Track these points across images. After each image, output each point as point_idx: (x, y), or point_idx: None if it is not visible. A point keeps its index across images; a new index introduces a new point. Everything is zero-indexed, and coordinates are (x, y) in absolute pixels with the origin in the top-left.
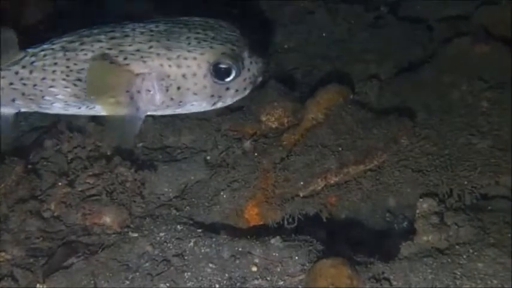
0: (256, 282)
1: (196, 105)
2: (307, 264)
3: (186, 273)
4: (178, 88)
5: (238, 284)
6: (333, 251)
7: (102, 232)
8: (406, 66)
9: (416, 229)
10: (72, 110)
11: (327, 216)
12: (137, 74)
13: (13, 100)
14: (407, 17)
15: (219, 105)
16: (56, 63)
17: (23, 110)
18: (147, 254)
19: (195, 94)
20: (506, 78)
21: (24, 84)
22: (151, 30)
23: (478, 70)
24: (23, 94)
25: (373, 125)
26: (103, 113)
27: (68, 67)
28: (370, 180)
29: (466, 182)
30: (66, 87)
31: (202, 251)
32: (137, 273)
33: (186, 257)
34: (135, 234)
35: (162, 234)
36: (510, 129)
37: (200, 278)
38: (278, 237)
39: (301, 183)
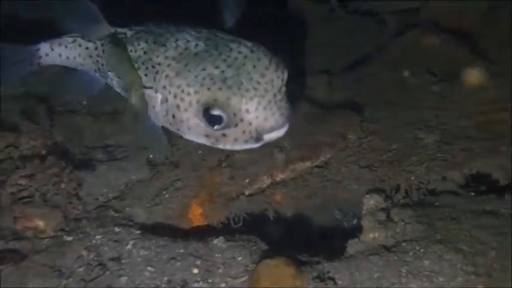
0: (197, 285)
1: (194, 138)
2: (250, 265)
3: (122, 278)
4: (173, 116)
5: (178, 287)
6: (277, 251)
7: (34, 236)
8: (357, 60)
9: (362, 226)
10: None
11: (273, 215)
12: (147, 86)
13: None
14: (358, 10)
15: (221, 146)
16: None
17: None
18: (82, 258)
19: (189, 129)
20: (455, 71)
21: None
22: (186, 48)
23: (427, 63)
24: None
25: (321, 120)
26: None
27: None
28: (317, 177)
29: (413, 178)
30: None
31: (141, 253)
32: (70, 279)
33: (123, 261)
34: (70, 238)
35: (98, 237)
36: (457, 124)
37: (138, 282)
38: (221, 237)
39: (247, 181)
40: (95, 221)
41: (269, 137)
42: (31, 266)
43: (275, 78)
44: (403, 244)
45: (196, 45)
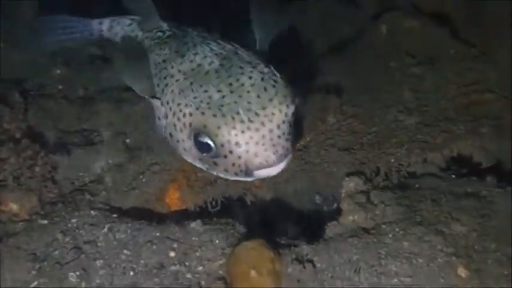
0: (174, 268)
1: (191, 161)
2: (228, 248)
3: (98, 261)
4: (171, 135)
5: (154, 271)
6: (255, 234)
7: (9, 220)
8: (336, 44)
9: (341, 209)
10: None
11: (251, 199)
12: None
13: None
14: None
15: (214, 173)
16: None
17: None
18: (57, 241)
19: (184, 150)
20: (435, 54)
21: None
22: (200, 65)
23: (407, 45)
24: None
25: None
26: None
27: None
28: (296, 160)
29: (393, 160)
30: None
31: (117, 237)
32: (45, 263)
33: (99, 244)
34: (45, 221)
35: (74, 220)
36: (438, 105)
37: (113, 265)
38: (198, 220)
39: None
40: (70, 204)
41: (259, 174)
42: (5, 250)
43: (277, 112)
44: (383, 226)
45: (211, 62)
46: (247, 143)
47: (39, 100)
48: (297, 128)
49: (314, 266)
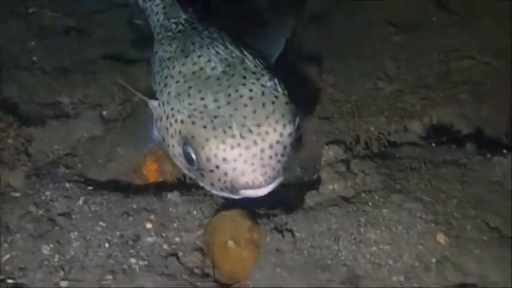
0: (150, 239)
1: (182, 168)
2: (205, 219)
3: (72, 233)
4: (163, 139)
5: (130, 242)
6: (234, 205)
7: None
8: (317, 14)
9: (321, 178)
10: None
11: None
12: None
13: None
14: None
15: (202, 184)
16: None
17: None
18: (30, 214)
19: (174, 156)
20: (417, 21)
21: None
22: (202, 69)
23: (388, 14)
24: None
25: None
26: None
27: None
28: None
29: (373, 128)
30: None
31: (92, 209)
32: (17, 235)
33: (73, 216)
34: (18, 194)
35: (48, 193)
36: (418, 73)
37: (88, 237)
38: (176, 192)
39: None
40: (44, 177)
41: (244, 193)
42: None
43: (271, 131)
44: (363, 195)
45: (214, 67)
46: (235, 160)
47: (13, 72)
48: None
49: (293, 235)
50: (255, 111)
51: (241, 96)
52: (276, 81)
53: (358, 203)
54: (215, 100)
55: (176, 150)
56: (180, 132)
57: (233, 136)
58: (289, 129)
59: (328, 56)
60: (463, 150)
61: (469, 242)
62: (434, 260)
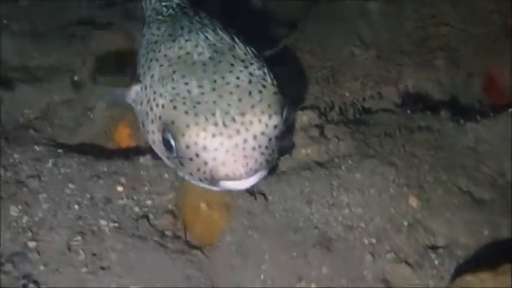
0: (121, 202)
1: (161, 155)
2: (177, 183)
3: (41, 195)
4: (142, 124)
5: (100, 205)
6: None
7: None
8: None
9: (295, 142)
10: None
11: None
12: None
13: None
14: None
15: (181, 174)
16: None
17: None
18: None
19: (153, 142)
20: None
21: None
22: (188, 53)
23: None
24: None
25: None
26: None
27: None
28: None
29: (347, 94)
30: None
31: (62, 171)
32: None
33: (42, 178)
34: None
35: (16, 155)
36: (394, 40)
37: (57, 199)
38: (148, 155)
39: None
40: (13, 140)
41: (224, 185)
42: None
43: (256, 121)
44: (336, 160)
45: (201, 53)
46: (215, 149)
47: None
48: (283, 140)
49: (265, 198)
50: (240, 100)
51: (228, 84)
52: (266, 70)
53: (331, 167)
54: (199, 86)
55: (156, 136)
56: (160, 117)
57: (215, 124)
58: (275, 120)
59: (304, 23)
60: (437, 117)
61: (440, 206)
62: (405, 223)
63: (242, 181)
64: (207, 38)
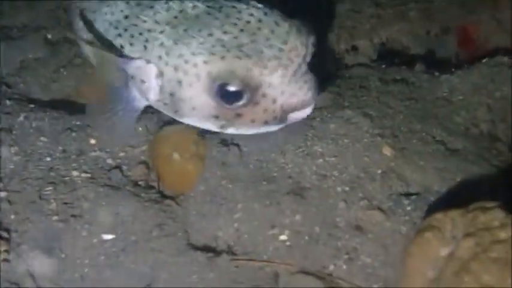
0: (94, 154)
1: (197, 122)
2: (150, 136)
3: (12, 148)
4: (172, 95)
5: (73, 157)
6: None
7: None
8: None
9: None
10: None
11: None
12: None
13: None
14: None
15: (231, 131)
16: None
17: None
18: None
19: (193, 109)
20: None
21: None
22: (182, 11)
23: None
24: None
25: None
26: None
27: None
28: None
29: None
30: None
31: (34, 125)
32: None
33: (14, 132)
34: None
35: None
36: None
37: (29, 151)
38: None
39: None
40: None
41: (295, 116)
42: None
43: (299, 45)
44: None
45: (194, 6)
46: (282, 83)
47: None
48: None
49: (240, 149)
50: (273, 31)
51: (249, 22)
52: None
53: (306, 119)
54: (225, 32)
55: (197, 100)
56: (208, 73)
57: (269, 59)
58: (312, 38)
59: None
60: (412, 70)
61: (414, 154)
62: (379, 171)
63: (307, 108)
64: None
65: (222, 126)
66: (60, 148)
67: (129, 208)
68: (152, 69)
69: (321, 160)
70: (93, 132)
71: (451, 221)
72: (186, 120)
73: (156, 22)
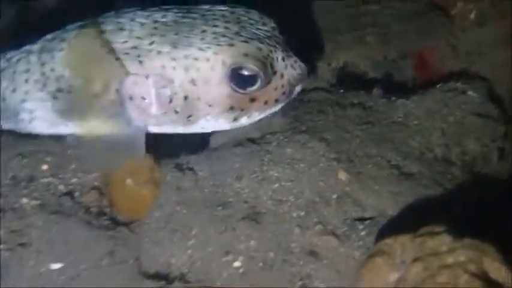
0: (46, 180)
1: (212, 120)
2: None
3: None
4: (186, 98)
5: (23, 183)
6: None
7: None
8: None
9: None
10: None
11: None
12: (130, 75)
13: None
14: None
15: (243, 121)
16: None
17: None
18: None
19: (209, 106)
20: None
21: None
22: (156, 21)
23: None
24: None
25: None
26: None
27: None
28: None
29: None
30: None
31: None
32: None
33: None
34: None
35: None
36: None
37: None
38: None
39: None
40: None
41: (299, 88)
42: None
43: (274, 25)
44: (268, 136)
45: (164, 15)
46: (283, 59)
47: None
48: None
49: (195, 173)
50: (249, 18)
51: (224, 16)
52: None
53: (262, 143)
54: (215, 26)
55: (213, 94)
56: (223, 63)
57: (267, 39)
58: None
59: None
60: (369, 95)
61: (369, 179)
62: (334, 196)
63: (305, 79)
64: (137, 14)
65: (234, 119)
66: (10, 174)
67: (80, 235)
68: (151, 82)
69: (276, 185)
70: (46, 158)
71: (401, 246)
72: (196, 128)
73: (138, 38)
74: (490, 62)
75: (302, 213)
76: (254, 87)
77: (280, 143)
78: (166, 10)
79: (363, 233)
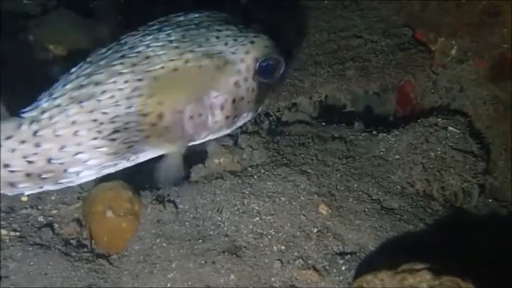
0: (25, 211)
1: (247, 116)
2: (85, 193)
3: None
4: (234, 101)
5: (2, 214)
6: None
7: None
8: None
9: (208, 152)
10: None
11: None
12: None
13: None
14: None
15: (264, 104)
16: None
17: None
18: None
19: (248, 102)
20: (307, 5)
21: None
22: (170, 41)
23: None
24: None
25: None
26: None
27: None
28: None
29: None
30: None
31: None
32: None
33: None
34: None
35: None
36: (308, 51)
37: None
38: None
39: None
40: None
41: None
42: None
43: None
44: (249, 169)
45: (168, 34)
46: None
47: None
48: None
49: (176, 206)
50: (224, 18)
51: (221, 24)
52: None
53: (243, 176)
54: (213, 30)
55: (250, 89)
56: (254, 59)
57: (261, 33)
58: None
59: None
60: (351, 128)
61: (350, 213)
62: (315, 230)
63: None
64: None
65: (256, 111)
66: None
67: (59, 268)
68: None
69: (257, 218)
70: None
71: (380, 282)
72: (235, 127)
73: (171, 60)
74: (471, 97)
75: (283, 247)
76: (275, 76)
77: (261, 176)
78: (160, 30)
79: (343, 268)
